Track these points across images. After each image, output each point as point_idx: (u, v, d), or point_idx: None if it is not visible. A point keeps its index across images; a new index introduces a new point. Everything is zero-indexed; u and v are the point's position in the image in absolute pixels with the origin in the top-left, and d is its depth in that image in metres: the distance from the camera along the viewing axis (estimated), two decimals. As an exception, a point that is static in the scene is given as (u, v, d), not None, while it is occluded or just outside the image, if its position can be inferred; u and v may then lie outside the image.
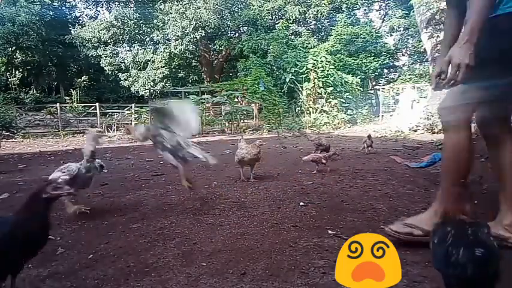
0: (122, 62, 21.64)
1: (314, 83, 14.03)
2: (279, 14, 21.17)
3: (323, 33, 23.62)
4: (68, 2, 25.67)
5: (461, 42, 1.44)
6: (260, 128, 12.73)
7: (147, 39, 21.50)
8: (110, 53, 21.39)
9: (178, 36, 19.29)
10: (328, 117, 13.54)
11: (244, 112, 14.39)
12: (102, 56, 21.31)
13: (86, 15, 26.33)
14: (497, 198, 1.81)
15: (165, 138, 2.51)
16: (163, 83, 22.22)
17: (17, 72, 23.44)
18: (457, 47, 1.44)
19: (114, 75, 23.11)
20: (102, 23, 21.01)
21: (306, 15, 21.53)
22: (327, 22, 23.58)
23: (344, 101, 14.93)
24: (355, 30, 19.71)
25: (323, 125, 12.98)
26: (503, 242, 1.61)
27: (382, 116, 15.02)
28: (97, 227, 2.23)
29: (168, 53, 20.89)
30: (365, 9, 25.33)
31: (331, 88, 14.14)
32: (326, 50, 17.62)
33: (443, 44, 1.88)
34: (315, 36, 21.74)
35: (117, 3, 22.66)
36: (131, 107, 16.40)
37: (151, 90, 21.74)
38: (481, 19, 1.43)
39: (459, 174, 1.62)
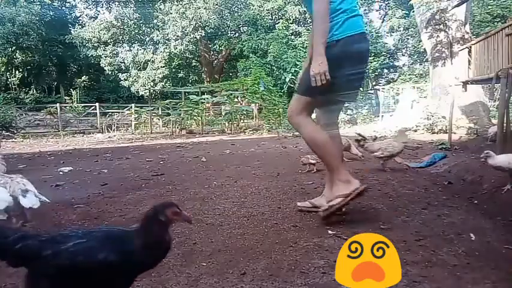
0: (122, 62, 21.64)
1: (314, 83, 14.00)
2: (279, 14, 21.14)
3: (323, 33, 23.61)
4: (68, 2, 25.65)
5: (314, 58, 1.90)
6: (260, 128, 12.72)
7: (147, 39, 21.49)
8: (110, 53, 21.38)
9: (178, 36, 19.28)
10: (328, 117, 13.53)
11: (244, 112, 14.38)
12: (102, 56, 21.31)
13: (86, 15, 26.28)
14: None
15: None
16: (163, 83, 22.20)
17: (17, 72, 23.43)
18: (313, 63, 1.91)
19: (114, 75, 23.10)
20: (102, 23, 20.99)
21: (306, 15, 21.50)
22: (327, 22, 23.56)
23: (344, 101, 14.91)
24: (355, 30, 19.70)
25: (323, 125, 12.98)
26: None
27: (382, 116, 15.01)
28: (97, 227, 2.23)
29: (168, 53, 20.88)
30: (365, 9, 25.30)
31: (331, 88, 14.11)
32: (326, 50, 17.59)
33: (308, 47, 2.36)
34: (315, 36, 21.71)
35: (117, 3, 22.60)
36: (131, 107, 16.40)
37: (151, 90, 21.73)
38: (320, 36, 1.91)
39: (320, 150, 2.13)
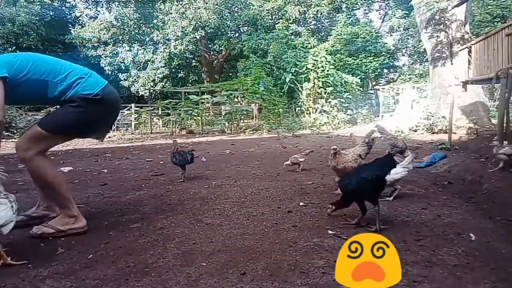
0: (121, 62, 21.60)
1: (314, 83, 14.01)
2: (279, 14, 21.13)
3: (323, 33, 23.60)
4: (68, 2, 25.59)
5: None
6: (260, 128, 12.72)
7: (147, 39, 21.45)
8: (110, 53, 21.36)
9: (178, 36, 19.26)
10: (328, 117, 13.53)
11: (244, 112, 14.37)
12: (102, 56, 21.28)
13: (86, 15, 26.25)
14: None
15: None
16: (163, 83, 22.17)
17: (17, 72, 23.40)
18: None
19: (114, 75, 23.06)
20: (102, 23, 20.95)
21: (306, 15, 21.49)
22: (327, 22, 23.55)
23: (344, 101, 14.92)
24: (355, 30, 19.70)
25: (323, 125, 12.97)
26: (44, 218, 2.23)
27: (382, 116, 15.01)
28: (97, 227, 2.23)
29: (168, 53, 20.84)
30: (365, 9, 25.30)
31: (331, 88, 14.13)
32: (326, 50, 17.60)
33: None
34: (315, 36, 21.70)
35: (117, 3, 22.57)
36: (131, 107, 16.39)
37: (151, 90, 21.71)
38: None
39: (49, 186, 2.12)
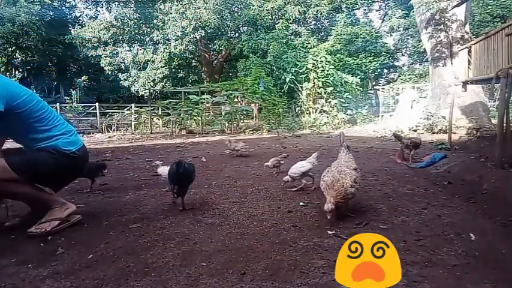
0: (121, 62, 21.59)
1: (314, 83, 14.00)
2: (279, 14, 21.12)
3: (323, 33, 23.60)
4: (68, 2, 25.61)
5: None
6: (260, 128, 12.71)
7: (147, 39, 21.45)
8: (110, 53, 21.35)
9: (178, 36, 19.26)
10: (328, 117, 13.53)
11: (244, 112, 14.36)
12: (102, 56, 21.28)
13: (86, 15, 26.28)
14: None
15: None
16: (163, 83, 22.16)
17: (17, 72, 23.41)
18: None
19: (114, 75, 23.05)
20: (102, 23, 20.96)
21: (306, 15, 21.50)
22: (327, 22, 23.56)
23: (344, 101, 14.92)
24: (355, 30, 19.71)
25: (323, 125, 12.97)
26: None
27: (382, 116, 15.02)
28: (97, 227, 2.23)
29: (168, 53, 20.83)
30: (365, 9, 25.30)
31: (331, 88, 14.12)
32: (326, 50, 17.60)
33: None
34: (315, 36, 21.70)
35: (117, 3, 22.58)
36: (131, 107, 16.40)
37: (151, 90, 21.71)
38: None
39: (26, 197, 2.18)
